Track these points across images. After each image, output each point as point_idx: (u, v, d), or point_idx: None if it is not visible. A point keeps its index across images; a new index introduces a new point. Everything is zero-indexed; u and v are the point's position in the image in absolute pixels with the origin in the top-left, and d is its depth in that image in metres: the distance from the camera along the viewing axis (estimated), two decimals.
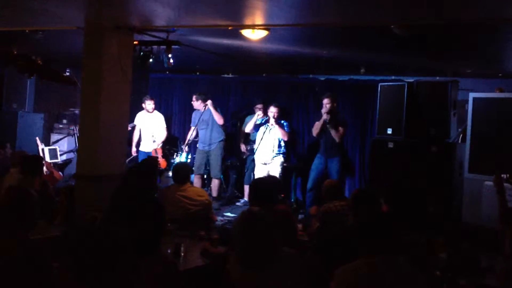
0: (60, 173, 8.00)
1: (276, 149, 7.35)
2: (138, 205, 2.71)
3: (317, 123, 7.14)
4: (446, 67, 7.45)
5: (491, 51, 6.09)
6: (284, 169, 7.51)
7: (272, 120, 7.26)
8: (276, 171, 7.24)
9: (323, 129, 7.05)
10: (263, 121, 7.57)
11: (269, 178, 4.97)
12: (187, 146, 8.29)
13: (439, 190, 6.09)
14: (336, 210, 4.27)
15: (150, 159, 6.39)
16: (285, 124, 7.40)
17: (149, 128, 8.35)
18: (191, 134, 8.15)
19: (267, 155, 7.30)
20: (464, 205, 6.10)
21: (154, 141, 8.17)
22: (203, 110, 7.81)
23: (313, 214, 4.89)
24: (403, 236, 2.99)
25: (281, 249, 2.72)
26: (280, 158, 7.39)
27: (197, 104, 7.92)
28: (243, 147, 8.33)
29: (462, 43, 5.69)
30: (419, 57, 6.75)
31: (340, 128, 7.05)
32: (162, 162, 8.25)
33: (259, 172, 7.29)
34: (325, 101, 7.03)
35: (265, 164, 7.34)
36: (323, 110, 7.01)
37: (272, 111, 7.28)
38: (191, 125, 8.22)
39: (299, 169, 7.89)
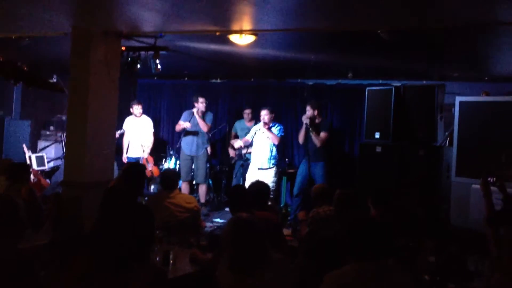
0: (48, 180, 7.93)
1: (269, 154, 7.10)
2: (128, 213, 2.68)
3: (301, 130, 7.16)
4: (432, 71, 7.50)
5: (477, 55, 6.15)
6: (279, 177, 7.36)
7: (261, 124, 7.17)
8: (270, 180, 6.88)
9: (307, 135, 7.04)
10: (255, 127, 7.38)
11: (252, 185, 4.84)
12: (183, 136, 8.05)
13: (427, 194, 6.13)
14: (325, 214, 4.28)
15: (131, 164, 6.22)
16: (278, 127, 7.20)
17: (137, 134, 8.29)
18: (181, 132, 7.99)
19: (262, 160, 7.14)
20: (452, 208, 6.14)
21: (143, 151, 8.11)
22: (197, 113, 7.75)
23: (302, 219, 4.88)
24: (391, 240, 3.00)
25: (271, 254, 2.72)
26: (275, 168, 7.16)
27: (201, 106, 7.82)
28: (231, 152, 8.29)
29: (448, 47, 5.73)
30: (406, 61, 6.79)
31: (322, 134, 7.07)
32: (155, 170, 8.20)
33: (252, 177, 6.89)
34: (306, 108, 7.12)
35: (260, 169, 7.12)
36: (303, 117, 7.06)
37: (262, 114, 7.17)
38: (180, 119, 7.99)
39: (288, 173, 7.87)
